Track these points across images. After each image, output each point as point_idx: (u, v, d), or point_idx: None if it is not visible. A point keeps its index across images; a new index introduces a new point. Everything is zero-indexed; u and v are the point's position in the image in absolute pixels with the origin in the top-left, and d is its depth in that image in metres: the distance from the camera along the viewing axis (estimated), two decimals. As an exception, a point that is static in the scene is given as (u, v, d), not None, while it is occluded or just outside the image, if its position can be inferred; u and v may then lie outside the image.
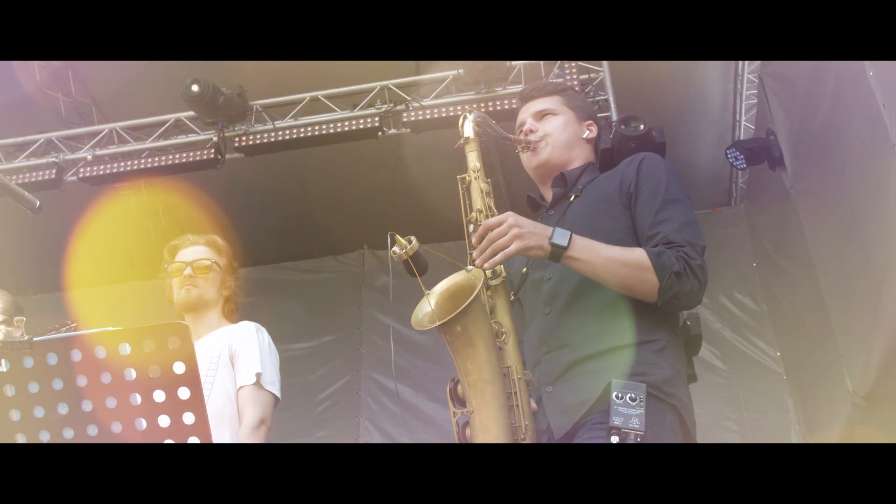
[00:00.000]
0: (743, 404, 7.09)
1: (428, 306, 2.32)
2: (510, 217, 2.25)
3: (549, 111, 2.71)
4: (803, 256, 5.84)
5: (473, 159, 2.47)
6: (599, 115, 5.83)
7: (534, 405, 2.32)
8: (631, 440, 2.02)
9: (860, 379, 4.99)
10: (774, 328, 7.24)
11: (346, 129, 6.18)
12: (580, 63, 5.95)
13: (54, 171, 6.23)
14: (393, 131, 6.20)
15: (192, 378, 1.79)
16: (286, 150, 6.35)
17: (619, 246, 2.31)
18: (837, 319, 5.35)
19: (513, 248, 2.20)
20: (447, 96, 6.18)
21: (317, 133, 6.23)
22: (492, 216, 2.35)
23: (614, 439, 2.03)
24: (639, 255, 2.26)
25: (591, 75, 6.01)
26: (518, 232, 2.21)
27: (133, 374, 1.77)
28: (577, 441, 2.20)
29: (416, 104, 6.17)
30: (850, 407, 5.24)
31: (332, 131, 6.21)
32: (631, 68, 5.96)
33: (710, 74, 7.02)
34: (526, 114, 2.75)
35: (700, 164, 7.61)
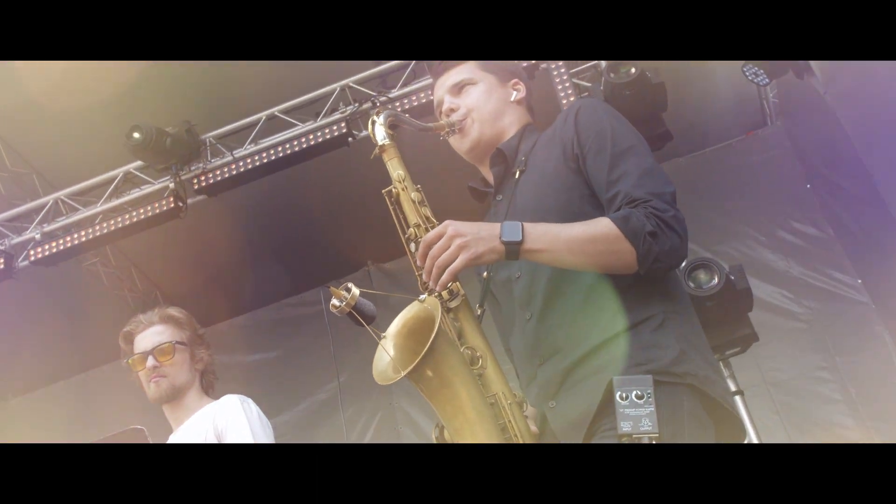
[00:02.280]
0: (832, 348, 6.54)
1: (387, 355, 2.16)
2: (449, 227, 2.09)
3: (466, 81, 2.54)
4: (857, 168, 5.43)
5: (395, 167, 2.32)
6: (587, 63, 5.32)
7: (534, 428, 2.20)
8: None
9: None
10: (847, 253, 6.70)
11: (313, 142, 5.83)
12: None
13: (2, 261, 5.98)
14: (364, 133, 5.83)
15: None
16: (252, 181, 6.00)
17: (582, 220, 2.15)
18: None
19: (460, 261, 2.06)
20: (415, 82, 5.79)
21: (282, 154, 5.90)
22: (431, 227, 2.22)
23: None
24: (604, 225, 2.10)
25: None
26: (462, 242, 2.06)
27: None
28: None
29: (382, 98, 5.83)
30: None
31: (298, 148, 5.86)
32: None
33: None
34: (442, 90, 2.58)
35: (721, 90, 7.14)
